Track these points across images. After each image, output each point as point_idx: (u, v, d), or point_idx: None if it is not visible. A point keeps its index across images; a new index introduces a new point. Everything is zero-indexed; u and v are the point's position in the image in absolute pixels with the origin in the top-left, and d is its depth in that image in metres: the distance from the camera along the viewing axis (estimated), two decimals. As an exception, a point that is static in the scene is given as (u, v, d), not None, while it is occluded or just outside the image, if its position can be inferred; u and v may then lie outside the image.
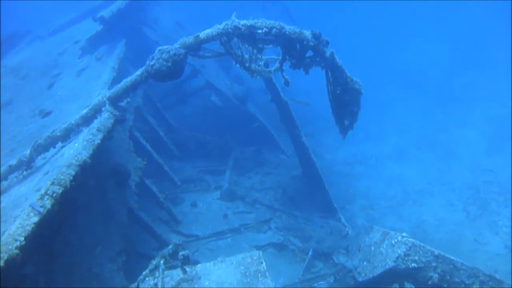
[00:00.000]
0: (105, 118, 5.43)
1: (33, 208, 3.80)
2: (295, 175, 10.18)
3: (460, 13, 23.43)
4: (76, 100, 7.46)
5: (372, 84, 17.45)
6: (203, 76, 10.72)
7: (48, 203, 3.93)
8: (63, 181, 4.20)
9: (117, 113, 5.64)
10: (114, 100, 5.67)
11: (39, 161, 5.85)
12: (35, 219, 3.74)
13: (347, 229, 8.58)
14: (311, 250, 8.07)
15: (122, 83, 5.63)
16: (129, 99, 5.96)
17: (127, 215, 6.83)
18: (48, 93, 8.44)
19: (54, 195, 4.02)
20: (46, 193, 4.00)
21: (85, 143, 4.86)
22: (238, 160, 10.84)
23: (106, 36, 9.16)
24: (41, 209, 3.82)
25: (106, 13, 8.57)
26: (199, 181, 10.20)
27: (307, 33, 5.43)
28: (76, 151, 4.73)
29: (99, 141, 5.00)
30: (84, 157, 4.61)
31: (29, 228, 3.65)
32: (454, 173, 11.01)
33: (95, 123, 5.31)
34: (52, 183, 4.11)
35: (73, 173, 4.36)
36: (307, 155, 8.92)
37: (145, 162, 7.74)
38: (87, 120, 5.70)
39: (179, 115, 11.20)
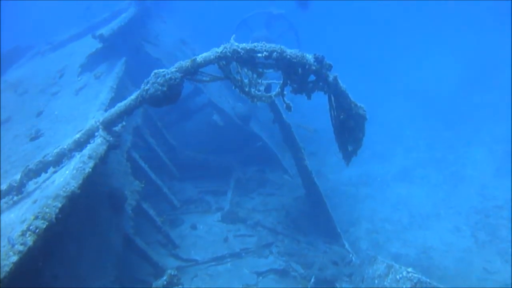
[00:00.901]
0: (97, 144, 5.20)
1: (12, 246, 3.56)
2: (298, 196, 9.96)
3: (468, 31, 23.19)
4: (72, 121, 7.27)
5: (379, 102, 17.32)
6: (205, 95, 10.53)
7: (29, 239, 3.69)
8: (48, 214, 3.97)
9: (111, 138, 5.41)
10: (108, 125, 5.44)
11: (30, 185, 5.64)
12: (14, 258, 3.51)
13: (350, 255, 8.29)
14: (313, 277, 7.78)
15: (116, 107, 5.41)
16: (124, 123, 5.75)
17: (123, 241, 6.61)
18: (46, 111, 8.25)
19: (37, 231, 3.78)
20: (28, 229, 3.76)
21: (74, 171, 4.63)
22: (240, 180, 10.62)
23: (106, 53, 9.01)
24: (21, 247, 3.58)
25: (106, 30, 8.40)
26: (200, 202, 10.00)
27: (309, 57, 5.20)
28: (64, 180, 4.51)
29: (90, 170, 4.77)
30: (72, 188, 4.38)
31: (7, 269, 3.41)
32: (461, 196, 10.68)
33: (87, 150, 5.08)
34: (36, 217, 3.88)
35: (60, 205, 4.13)
36: (310, 179, 8.69)
37: (143, 185, 7.53)
38: (80, 145, 5.48)
39: (180, 134, 11.02)
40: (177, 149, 10.34)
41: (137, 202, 7.28)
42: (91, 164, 4.84)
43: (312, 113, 13.78)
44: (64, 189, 4.33)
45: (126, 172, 7.42)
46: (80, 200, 4.72)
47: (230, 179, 10.51)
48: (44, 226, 3.84)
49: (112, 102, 7.04)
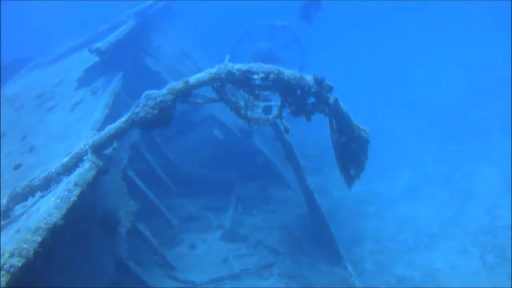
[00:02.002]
0: (85, 170, 4.94)
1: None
2: (301, 213, 9.69)
3: (476, 41, 22.81)
4: (66, 138, 7.05)
5: (384, 114, 17.02)
6: (207, 108, 10.29)
7: (3, 280, 3.43)
8: (25, 251, 3.71)
9: (100, 163, 5.15)
10: (98, 148, 5.19)
11: (18, 209, 5.41)
12: (-16, 302, 3.26)
13: (353, 279, 7.99)
14: (313, 301, 7.52)
15: (106, 130, 5.16)
16: (115, 145, 5.50)
17: (115, 265, 6.36)
18: (41, 127, 8.04)
19: (12, 269, 3.52)
20: (2, 268, 3.50)
21: (58, 201, 4.37)
22: (242, 196, 10.40)
23: (103, 67, 8.80)
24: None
25: (102, 44, 8.17)
26: (200, 219, 9.80)
27: (309, 78, 4.94)
28: (47, 210, 4.25)
29: (76, 198, 4.51)
30: (55, 220, 4.12)
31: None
32: (469, 215, 10.30)
33: (73, 176, 4.82)
34: (11, 255, 3.61)
35: (40, 239, 3.87)
36: (312, 199, 8.40)
37: (139, 205, 7.28)
38: (68, 169, 5.23)
39: (180, 148, 10.80)
40: (177, 164, 10.12)
41: (132, 224, 7.03)
42: (76, 192, 4.58)
43: (317, 125, 13.48)
44: (45, 221, 4.08)
45: (121, 192, 7.18)
46: (68, 227, 4.49)
47: (231, 195, 10.26)
48: (20, 264, 3.59)
49: (107, 119, 6.84)
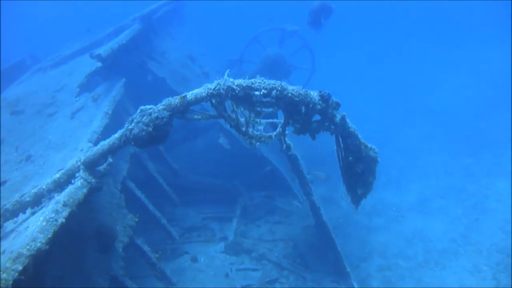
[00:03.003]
0: (76, 188, 4.69)
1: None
2: (308, 226, 9.37)
3: (493, 48, 22.24)
4: (63, 148, 6.81)
5: (395, 123, 16.65)
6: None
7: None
8: (4, 281, 3.46)
9: (92, 180, 4.89)
10: (90, 165, 4.93)
11: (9, 224, 5.17)
12: None
13: (359, 298, 7.68)
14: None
15: (99, 146, 4.89)
16: (110, 161, 5.23)
17: (110, 283, 6.10)
18: (39, 134, 7.82)
19: (-12, 303, 3.28)
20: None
21: (44, 223, 4.12)
22: (247, 207, 10.12)
23: (106, 73, 8.57)
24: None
25: (104, 50, 7.91)
26: (203, 229, 9.59)
27: (314, 95, 4.63)
28: (31, 234, 3.99)
29: (63, 220, 4.25)
30: (38, 245, 3.87)
31: None
32: (482, 231, 9.91)
33: (62, 196, 4.56)
34: (-12, 286, 3.37)
35: (20, 268, 3.62)
36: (319, 216, 8.09)
37: (137, 219, 7.02)
38: (60, 186, 4.98)
39: (185, 155, 10.55)
40: (181, 172, 9.86)
41: (130, 238, 6.77)
42: (65, 213, 4.33)
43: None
44: (28, 247, 3.82)
45: (119, 205, 6.93)
46: (58, 247, 4.25)
47: (236, 205, 9.99)
48: (-3, 296, 3.34)
49: (106, 129, 6.61)
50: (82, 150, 5.93)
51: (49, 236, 4.01)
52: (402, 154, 14.06)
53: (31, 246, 3.83)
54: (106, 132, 6.40)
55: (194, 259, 8.56)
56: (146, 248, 7.15)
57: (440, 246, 9.59)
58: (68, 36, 12.81)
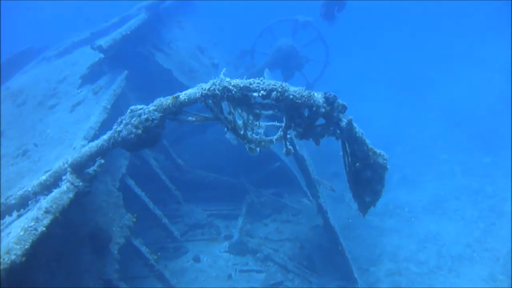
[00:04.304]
0: (61, 193, 4.38)
1: None
2: (316, 225, 9.06)
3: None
4: (59, 144, 6.56)
5: (411, 119, 16.14)
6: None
7: None
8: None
9: (80, 183, 4.58)
10: (78, 167, 4.62)
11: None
12: None
13: (366, 305, 7.34)
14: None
15: (87, 147, 4.59)
16: (102, 161, 4.93)
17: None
18: (39, 128, 7.57)
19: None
20: None
21: (22, 233, 3.82)
22: (254, 204, 9.80)
23: (109, 64, 8.27)
24: None
25: (105, 41, 7.60)
26: (208, 227, 9.33)
27: (318, 97, 4.26)
28: (7, 245, 3.69)
29: (44, 229, 3.95)
30: (13, 258, 3.57)
31: None
32: (499, 236, 9.40)
33: (45, 201, 4.25)
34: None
35: (-8, 283, 3.35)
36: (326, 219, 7.73)
37: (135, 219, 6.74)
38: (46, 188, 4.69)
39: (191, 149, 10.25)
40: (186, 168, 9.58)
41: (127, 239, 6.50)
42: (46, 221, 4.02)
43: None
44: (2, 260, 3.53)
45: (116, 205, 6.65)
46: (42, 254, 3.99)
47: (243, 203, 9.70)
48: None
49: (105, 124, 6.32)
50: (74, 148, 5.66)
51: (26, 247, 3.72)
52: (416, 152, 13.56)
53: (4, 259, 3.54)
54: (104, 128, 6.09)
55: (197, 259, 8.29)
56: (144, 249, 6.87)
57: (454, 251, 9.14)
58: (69, 29, 12.53)
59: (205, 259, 8.37)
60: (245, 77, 4.15)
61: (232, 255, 8.54)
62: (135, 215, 6.72)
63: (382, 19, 30.39)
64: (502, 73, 18.09)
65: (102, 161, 4.93)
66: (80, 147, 5.36)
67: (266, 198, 9.96)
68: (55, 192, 4.40)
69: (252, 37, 13.56)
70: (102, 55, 8.01)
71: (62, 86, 8.62)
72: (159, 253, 7.28)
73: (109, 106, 6.81)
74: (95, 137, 5.58)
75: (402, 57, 22.90)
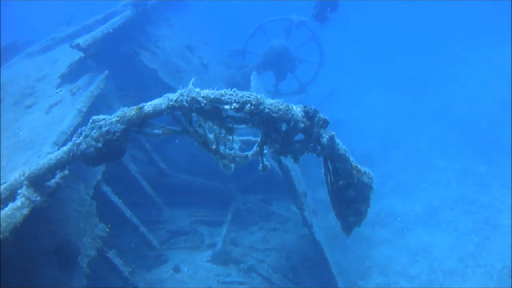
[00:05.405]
0: (13, 209, 4.01)
1: None
2: (304, 234, 8.72)
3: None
4: (30, 148, 6.18)
5: (407, 122, 15.74)
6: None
7: None
8: None
9: (37, 198, 4.21)
10: (36, 181, 4.25)
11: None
12: None
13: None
14: None
15: (46, 159, 4.21)
16: (66, 172, 4.57)
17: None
18: (12, 129, 7.19)
19: None
20: None
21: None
22: (240, 211, 9.46)
23: (89, 63, 7.90)
24: None
25: (84, 40, 7.23)
26: (191, 234, 8.98)
27: (297, 111, 3.91)
28: None
29: None
30: None
31: None
32: (493, 251, 9.01)
33: (-6, 218, 3.89)
34: None
35: None
36: (311, 233, 7.39)
37: (108, 229, 6.37)
38: (1, 202, 4.32)
39: (174, 152, 9.89)
40: (169, 172, 9.22)
41: (99, 251, 6.14)
42: None
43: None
44: None
45: (89, 213, 6.28)
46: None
47: (228, 209, 9.35)
48: None
49: (78, 128, 5.95)
50: (39, 156, 5.30)
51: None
52: (412, 158, 13.15)
53: None
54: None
55: (177, 269, 7.94)
56: (117, 261, 6.51)
57: (446, 266, 8.78)
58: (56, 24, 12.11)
59: (185, 269, 8.02)
60: (215, 87, 3.79)
61: (214, 265, 8.20)
62: (109, 225, 6.35)
63: (379, 20, 30.01)
64: (502, 77, 17.63)
65: (66, 172, 4.58)
66: (45, 154, 4.99)
67: (253, 205, 9.62)
68: (7, 209, 4.03)
69: (245, 36, 13.18)
70: (82, 54, 7.64)
71: (41, 84, 8.24)
72: (133, 265, 6.90)
73: (84, 109, 6.45)
74: (67, 142, 5.21)
75: (400, 59, 22.48)
